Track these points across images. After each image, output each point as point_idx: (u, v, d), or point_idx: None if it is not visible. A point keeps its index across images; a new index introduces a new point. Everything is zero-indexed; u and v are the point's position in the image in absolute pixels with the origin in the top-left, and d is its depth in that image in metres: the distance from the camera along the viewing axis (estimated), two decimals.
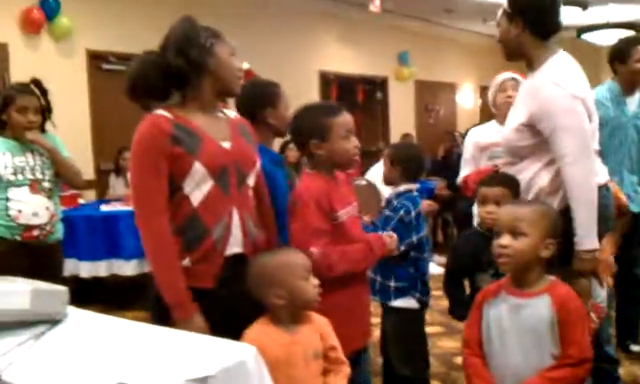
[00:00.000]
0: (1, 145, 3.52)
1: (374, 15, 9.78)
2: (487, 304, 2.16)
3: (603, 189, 2.65)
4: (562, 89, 2.52)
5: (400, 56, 11.29)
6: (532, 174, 2.64)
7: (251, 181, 2.26)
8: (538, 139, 2.59)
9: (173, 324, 2.01)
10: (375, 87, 11.22)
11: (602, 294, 2.93)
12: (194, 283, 2.09)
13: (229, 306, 2.12)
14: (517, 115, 2.69)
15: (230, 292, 2.13)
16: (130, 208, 5.62)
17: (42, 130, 3.66)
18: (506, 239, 2.05)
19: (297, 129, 2.57)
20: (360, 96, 10.88)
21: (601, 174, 2.70)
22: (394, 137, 10.61)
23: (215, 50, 2.18)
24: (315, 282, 2.07)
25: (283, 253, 2.14)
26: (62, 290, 1.97)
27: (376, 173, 5.81)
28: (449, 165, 8.59)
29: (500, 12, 2.75)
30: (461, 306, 2.68)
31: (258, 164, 2.30)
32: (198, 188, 2.10)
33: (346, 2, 9.86)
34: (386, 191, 3.61)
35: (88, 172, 6.92)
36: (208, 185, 2.11)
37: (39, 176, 3.55)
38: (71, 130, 6.45)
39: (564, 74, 2.58)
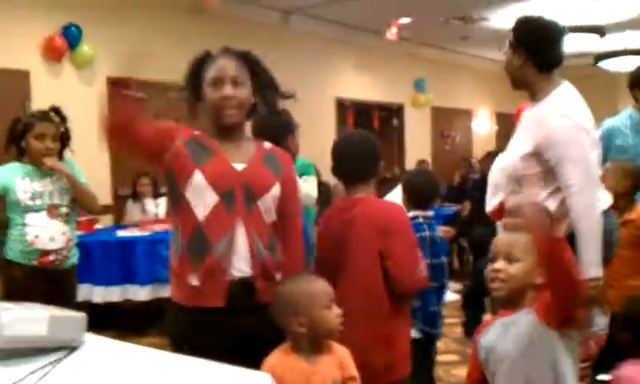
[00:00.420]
0: (20, 170, 3.57)
1: (390, 42, 9.86)
2: (481, 335, 2.19)
3: (605, 215, 2.67)
4: (568, 120, 2.58)
5: (416, 83, 11.33)
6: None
7: (265, 204, 2.25)
8: (543, 168, 2.64)
9: (189, 351, 2.02)
10: (391, 114, 11.25)
11: (602, 322, 2.91)
12: (204, 303, 2.17)
13: (240, 327, 2.16)
14: (521, 144, 2.73)
15: (241, 313, 2.17)
16: (146, 234, 5.65)
17: (60, 157, 3.71)
18: (500, 264, 2.08)
19: None
20: (376, 122, 10.91)
21: (603, 200, 2.73)
22: (410, 163, 10.61)
23: (203, 82, 2.27)
24: (337, 311, 2.06)
25: (306, 280, 2.14)
26: (80, 316, 1.98)
27: (392, 199, 5.79)
28: (464, 191, 8.58)
29: (507, 41, 2.79)
30: (476, 326, 2.66)
31: (275, 189, 2.28)
32: (203, 202, 2.16)
33: (363, 30, 9.92)
34: None
35: (105, 197, 6.98)
36: (213, 200, 2.16)
37: (57, 201, 3.59)
38: (90, 156, 6.50)
39: (569, 106, 2.65)
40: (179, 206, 2.22)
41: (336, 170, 2.66)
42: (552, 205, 2.63)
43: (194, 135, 2.25)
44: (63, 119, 3.71)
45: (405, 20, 9.39)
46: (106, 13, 7.02)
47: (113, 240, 5.60)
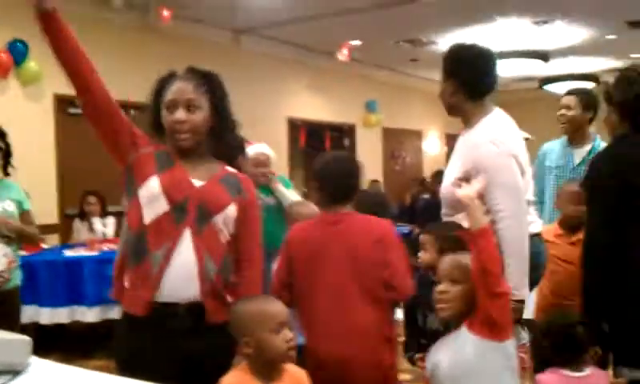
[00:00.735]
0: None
1: (342, 64, 9.96)
2: (430, 353, 2.28)
3: (536, 238, 2.75)
4: (496, 147, 2.64)
5: (367, 104, 11.46)
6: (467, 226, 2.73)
7: (219, 224, 2.21)
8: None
9: (136, 373, 1.97)
10: (343, 134, 11.35)
11: (525, 336, 3.03)
12: (127, 308, 2.18)
13: (189, 349, 2.13)
14: (454, 169, 2.79)
15: (189, 335, 2.13)
16: (93, 253, 5.55)
17: (5, 173, 3.63)
18: (444, 286, 2.18)
19: None
20: (328, 142, 10.97)
21: (535, 223, 2.80)
22: (362, 183, 10.68)
23: (162, 103, 2.27)
24: (288, 335, 2.00)
25: (260, 301, 2.10)
26: (25, 339, 1.93)
27: None
28: (415, 211, 8.67)
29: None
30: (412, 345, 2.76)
31: (231, 210, 2.24)
32: (152, 207, 2.15)
33: (315, 51, 10.01)
34: None
35: (52, 216, 6.84)
36: (162, 208, 2.14)
37: None
38: (37, 174, 6.40)
39: (499, 133, 2.70)
40: (131, 202, 2.21)
41: (322, 189, 2.72)
42: None
43: (163, 148, 2.27)
44: (2, 135, 3.62)
45: (356, 42, 9.51)
46: None
47: (60, 260, 5.48)
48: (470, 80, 2.78)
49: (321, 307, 2.47)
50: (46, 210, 6.56)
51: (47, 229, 6.27)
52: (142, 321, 2.13)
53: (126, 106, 8.30)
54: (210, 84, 2.28)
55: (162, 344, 2.11)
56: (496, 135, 2.68)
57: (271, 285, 2.63)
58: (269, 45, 9.36)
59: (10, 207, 3.56)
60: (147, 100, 2.34)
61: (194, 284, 2.14)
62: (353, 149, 11.36)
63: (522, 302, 2.60)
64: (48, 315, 5.24)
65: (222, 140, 2.34)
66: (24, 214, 3.68)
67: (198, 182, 2.21)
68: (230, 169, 2.38)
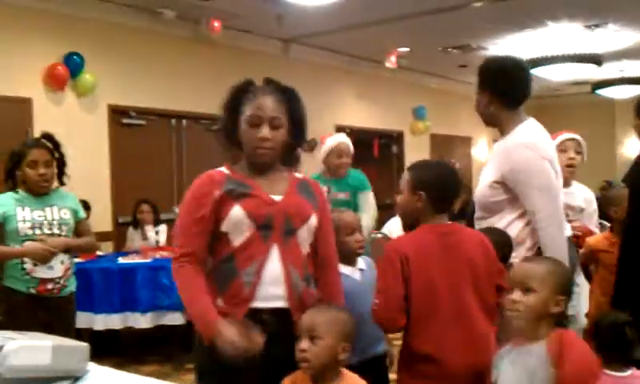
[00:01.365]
0: (20, 199, 3.58)
1: (390, 71, 9.95)
2: (496, 358, 2.23)
3: (567, 242, 2.88)
4: (531, 151, 2.78)
5: (415, 110, 11.41)
6: (504, 226, 2.84)
7: (303, 234, 2.27)
8: (509, 195, 2.82)
9: (217, 376, 2.13)
10: (391, 141, 11.33)
11: None
12: None
13: (269, 355, 2.13)
14: (489, 174, 2.92)
15: (273, 342, 2.14)
16: (147, 261, 5.66)
17: (60, 183, 3.72)
18: (516, 295, 2.11)
19: None
20: (376, 150, 10.96)
21: (566, 227, 2.95)
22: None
23: (241, 115, 2.26)
24: (348, 348, 2.10)
25: (332, 310, 2.19)
26: (83, 346, 2.00)
27: (392, 226, 5.82)
28: (465, 216, 8.59)
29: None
30: None
31: (313, 220, 2.29)
32: (239, 232, 2.18)
33: (363, 58, 10.02)
34: None
35: (106, 224, 7.00)
36: (249, 230, 2.18)
37: (56, 231, 3.59)
38: (92, 183, 6.57)
39: (533, 138, 2.85)
40: (216, 242, 2.23)
41: (436, 199, 2.51)
42: (517, 227, 2.82)
43: (230, 177, 2.26)
44: (56, 145, 3.71)
45: (404, 49, 9.49)
46: (108, 41, 7.11)
47: (114, 267, 5.60)
48: (504, 90, 2.89)
49: (446, 320, 2.37)
50: (101, 218, 6.73)
51: (101, 236, 6.43)
52: None
53: (177, 115, 8.49)
54: (290, 101, 2.30)
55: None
56: (530, 140, 2.82)
57: (381, 305, 2.40)
58: (317, 53, 9.42)
59: (67, 215, 3.66)
60: (221, 109, 2.35)
61: (284, 295, 2.20)
62: (401, 156, 11.33)
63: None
64: (102, 321, 5.35)
65: (295, 154, 2.38)
66: (80, 223, 3.78)
67: (277, 197, 2.25)
68: (297, 174, 2.40)
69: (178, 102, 7.76)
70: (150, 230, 6.64)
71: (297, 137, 2.33)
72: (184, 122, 7.94)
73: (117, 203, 7.19)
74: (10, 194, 3.60)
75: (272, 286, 2.18)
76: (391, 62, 9.59)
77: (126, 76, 7.29)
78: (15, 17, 6.40)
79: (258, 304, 2.17)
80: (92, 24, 6.97)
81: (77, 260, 5.57)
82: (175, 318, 5.38)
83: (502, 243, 2.77)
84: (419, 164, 2.61)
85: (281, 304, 2.20)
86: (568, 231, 2.96)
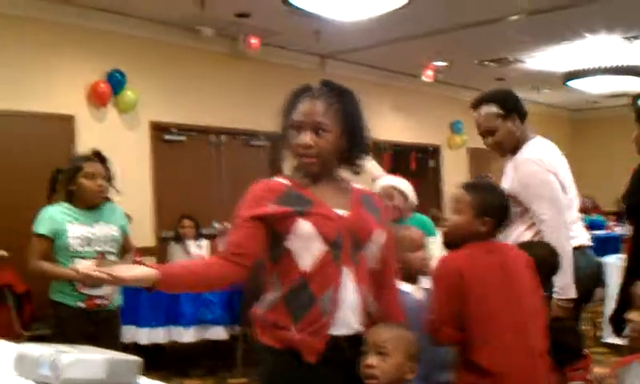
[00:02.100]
0: (71, 214, 3.61)
1: (427, 85, 9.95)
2: (622, 369, 2.29)
3: (577, 252, 3.06)
4: (537, 165, 3.06)
5: (452, 124, 11.38)
6: (516, 236, 3.05)
7: (369, 252, 2.13)
8: (520, 208, 3.05)
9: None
10: (428, 155, 11.30)
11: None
12: (298, 353, 2.04)
13: (324, 375, 2.05)
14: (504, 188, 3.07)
15: (335, 373, 2.07)
16: None
17: (106, 198, 3.78)
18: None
19: None
20: (413, 164, 10.95)
21: (578, 237, 3.16)
22: (448, 204, 10.59)
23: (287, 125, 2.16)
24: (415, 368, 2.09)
25: (398, 329, 2.14)
26: (136, 360, 2.03)
27: (432, 242, 5.77)
28: None
29: (486, 121, 3.22)
30: None
31: (379, 235, 2.15)
32: (308, 251, 2.03)
33: (399, 73, 10.04)
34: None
35: (149, 239, 7.10)
36: (320, 250, 2.03)
37: (106, 248, 3.64)
38: (134, 199, 6.66)
39: (539, 154, 3.11)
40: (280, 256, 2.07)
41: (500, 220, 2.52)
42: (526, 238, 3.05)
43: (289, 187, 2.11)
44: (103, 161, 3.77)
45: (440, 63, 9.49)
46: (149, 59, 7.25)
47: None
48: (522, 107, 3.23)
49: (504, 336, 2.33)
50: (143, 234, 6.83)
51: (144, 251, 6.51)
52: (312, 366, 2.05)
53: (216, 131, 8.57)
54: (344, 103, 2.12)
55: (323, 376, 2.06)
56: (536, 155, 3.10)
57: (435, 319, 2.38)
58: (353, 68, 9.46)
59: (116, 232, 3.72)
60: (279, 116, 2.19)
61: (357, 318, 2.08)
62: (438, 170, 11.30)
63: (570, 300, 2.98)
64: (146, 335, 5.41)
65: (352, 164, 2.18)
66: (125, 237, 3.84)
67: (341, 211, 2.09)
68: (357, 186, 2.23)
69: (216, 118, 7.87)
70: (191, 245, 6.71)
71: (352, 142, 2.12)
72: (223, 137, 8.04)
73: (159, 218, 7.29)
74: (59, 208, 3.63)
75: (348, 311, 2.05)
76: (428, 75, 9.60)
77: (167, 92, 7.42)
78: (59, 35, 6.57)
79: (335, 331, 2.04)
80: (133, 42, 7.13)
81: None
82: (218, 333, 5.42)
83: (549, 254, 2.83)
84: (478, 186, 2.58)
85: (356, 329, 2.08)
86: (581, 240, 3.17)
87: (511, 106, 3.19)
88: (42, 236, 3.55)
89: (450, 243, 2.54)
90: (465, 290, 2.34)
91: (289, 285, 2.05)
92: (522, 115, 3.20)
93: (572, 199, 3.19)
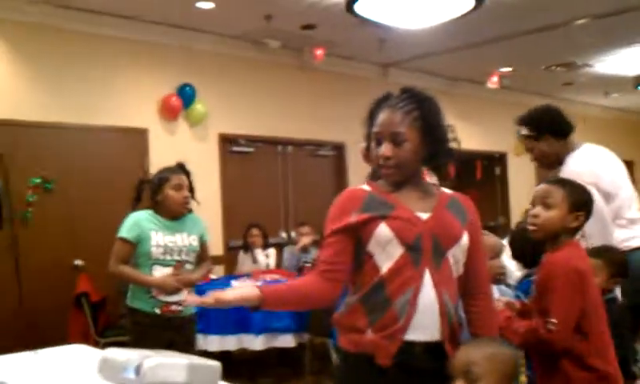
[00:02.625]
0: (156, 222, 3.73)
1: (491, 91, 9.84)
2: None
3: (638, 252, 3.19)
4: (578, 178, 2.92)
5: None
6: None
7: (454, 256, 2.07)
8: None
9: None
10: (494, 162, 11.17)
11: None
12: (375, 358, 2.02)
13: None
14: None
15: (409, 380, 2.02)
16: (258, 284, 5.80)
17: (189, 209, 3.87)
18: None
19: None
20: (479, 172, 10.84)
21: (636, 238, 3.24)
22: (515, 212, 10.45)
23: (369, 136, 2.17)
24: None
25: (490, 344, 1.96)
26: (216, 365, 2.09)
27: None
28: None
29: (522, 142, 3.53)
30: None
31: (464, 240, 2.08)
32: (387, 254, 2.02)
33: (463, 80, 9.97)
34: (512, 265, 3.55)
35: (218, 248, 7.24)
36: (398, 252, 2.01)
37: (185, 258, 3.75)
38: (204, 209, 6.79)
39: (581, 165, 3.22)
40: (362, 260, 2.07)
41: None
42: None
43: (371, 194, 2.11)
44: (188, 173, 3.89)
45: (506, 69, 9.38)
46: (218, 73, 7.43)
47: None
48: (556, 127, 3.38)
49: (608, 335, 2.36)
50: (212, 243, 6.91)
51: (213, 260, 6.65)
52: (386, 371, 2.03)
53: (283, 142, 8.69)
54: (423, 110, 2.08)
55: (395, 382, 2.03)
56: (576, 168, 3.18)
57: (561, 326, 2.28)
58: (416, 77, 9.44)
59: (195, 242, 3.83)
60: (363, 125, 2.19)
61: (436, 325, 2.02)
62: (504, 177, 11.14)
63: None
64: (217, 343, 5.49)
65: (436, 169, 2.21)
66: (203, 244, 3.93)
67: (424, 215, 2.06)
68: (446, 190, 2.20)
69: (283, 129, 7.99)
70: (259, 254, 6.81)
71: (433, 149, 2.09)
72: (289, 147, 8.16)
73: (227, 228, 7.44)
74: (145, 215, 3.76)
75: (426, 316, 2.00)
76: (493, 82, 9.50)
77: (235, 105, 7.59)
78: (132, 52, 6.81)
79: (411, 336, 2.00)
80: (203, 56, 7.32)
81: None
82: (287, 341, 5.47)
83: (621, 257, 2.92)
84: (568, 181, 2.54)
85: (434, 336, 2.01)
86: (637, 242, 3.24)
87: (544, 128, 3.34)
88: (126, 240, 3.68)
89: (539, 239, 2.48)
90: (585, 290, 2.30)
91: (367, 288, 2.05)
92: (559, 133, 3.34)
93: (628, 198, 3.27)
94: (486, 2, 6.23)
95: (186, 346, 3.53)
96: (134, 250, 3.69)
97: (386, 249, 2.02)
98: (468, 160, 10.67)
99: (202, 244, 3.92)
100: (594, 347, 2.31)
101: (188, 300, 2.10)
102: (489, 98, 10.40)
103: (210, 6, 6.44)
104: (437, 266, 2.03)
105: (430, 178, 2.29)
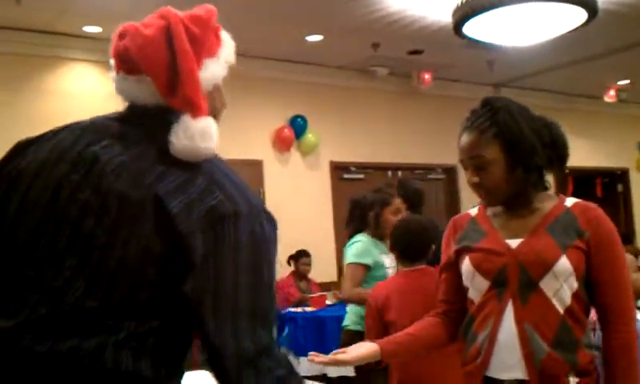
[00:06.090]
0: (377, 245, 3.79)
1: (609, 106, 9.50)
2: None
3: None
4: None
5: None
6: None
7: (552, 286, 1.79)
8: None
9: None
10: (615, 179, 10.73)
11: None
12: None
13: None
14: None
15: None
16: None
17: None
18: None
19: None
20: (599, 190, 10.44)
21: None
22: None
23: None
24: None
25: None
26: None
27: None
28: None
29: None
30: None
31: (561, 265, 1.78)
32: (475, 288, 1.90)
33: (578, 95, 9.69)
34: None
35: (331, 274, 7.37)
36: (484, 286, 1.87)
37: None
38: (317, 235, 6.99)
39: None
40: (466, 300, 2.00)
41: None
42: None
43: (473, 220, 1.99)
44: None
45: (623, 82, 9.05)
46: (328, 103, 7.63)
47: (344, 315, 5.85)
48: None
49: None
50: (325, 269, 7.11)
51: (326, 286, 6.78)
52: None
53: (393, 167, 8.69)
54: (499, 124, 1.83)
55: None
56: None
57: None
58: (527, 94, 9.24)
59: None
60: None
61: (519, 365, 1.81)
62: (628, 194, 10.66)
63: None
64: (335, 368, 5.57)
65: (536, 183, 1.91)
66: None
67: (514, 242, 1.84)
68: (568, 202, 1.90)
69: (392, 154, 8.06)
70: None
71: (522, 161, 1.83)
72: (399, 173, 8.21)
73: (340, 253, 7.53)
74: (366, 239, 3.82)
75: (506, 353, 1.81)
76: (610, 96, 9.17)
77: (345, 133, 7.75)
78: (247, 87, 7.08)
79: (492, 374, 1.84)
80: (313, 87, 7.55)
81: (308, 309, 5.93)
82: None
83: None
84: None
85: (518, 375, 1.81)
86: None
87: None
88: (364, 266, 3.74)
89: None
90: None
91: (464, 322, 1.97)
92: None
93: None
94: (599, 14, 6.06)
95: None
96: (366, 274, 3.73)
97: (473, 283, 1.90)
98: (587, 178, 10.30)
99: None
100: None
101: (315, 360, 1.93)
102: (606, 113, 10.04)
103: (319, 38, 6.64)
104: (524, 299, 1.81)
105: None
